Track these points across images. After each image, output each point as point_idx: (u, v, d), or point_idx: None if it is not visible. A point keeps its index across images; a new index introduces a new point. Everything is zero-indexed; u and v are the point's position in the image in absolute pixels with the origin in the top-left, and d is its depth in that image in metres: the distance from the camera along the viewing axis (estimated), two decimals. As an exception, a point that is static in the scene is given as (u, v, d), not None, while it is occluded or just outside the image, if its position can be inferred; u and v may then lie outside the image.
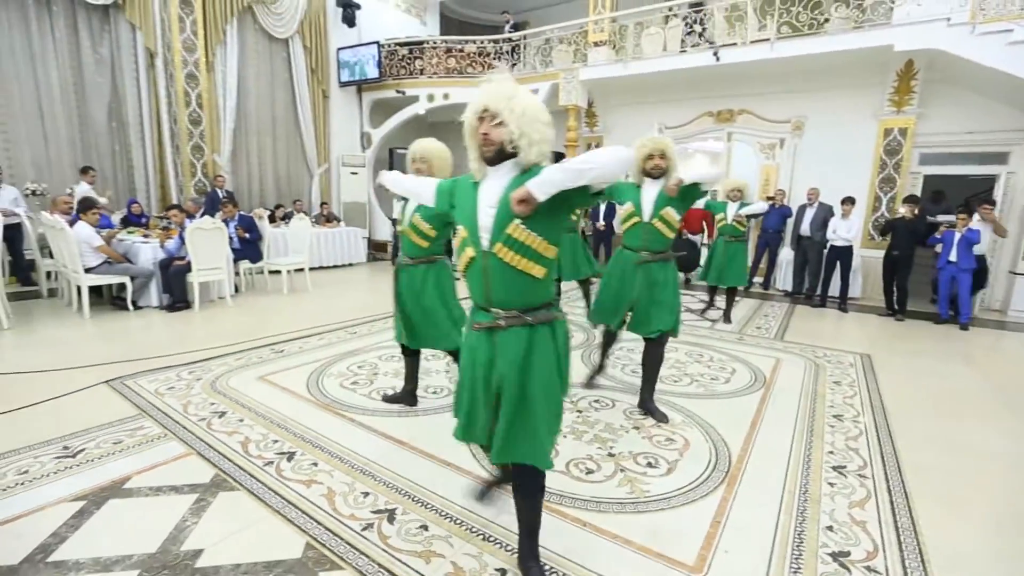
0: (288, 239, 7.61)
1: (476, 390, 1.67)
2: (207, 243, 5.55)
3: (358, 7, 10.28)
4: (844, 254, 6.63)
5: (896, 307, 6.36)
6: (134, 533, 1.96)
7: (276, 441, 2.72)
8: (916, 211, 6.29)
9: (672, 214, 2.93)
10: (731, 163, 8.52)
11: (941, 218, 6.98)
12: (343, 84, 10.64)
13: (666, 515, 2.16)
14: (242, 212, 6.99)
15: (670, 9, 8.28)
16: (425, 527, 2.04)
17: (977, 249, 5.95)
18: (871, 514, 2.21)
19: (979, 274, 6.21)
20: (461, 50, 10.26)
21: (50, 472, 2.36)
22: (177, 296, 5.56)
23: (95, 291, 5.53)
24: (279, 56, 9.71)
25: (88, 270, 5.15)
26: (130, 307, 5.47)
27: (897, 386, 3.84)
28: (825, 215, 6.89)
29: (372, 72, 10.20)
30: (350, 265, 9.59)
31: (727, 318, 5.79)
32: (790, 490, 2.37)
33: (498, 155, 1.54)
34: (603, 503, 2.22)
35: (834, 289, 6.88)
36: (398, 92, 10.41)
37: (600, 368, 3.60)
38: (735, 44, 7.44)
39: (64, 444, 2.61)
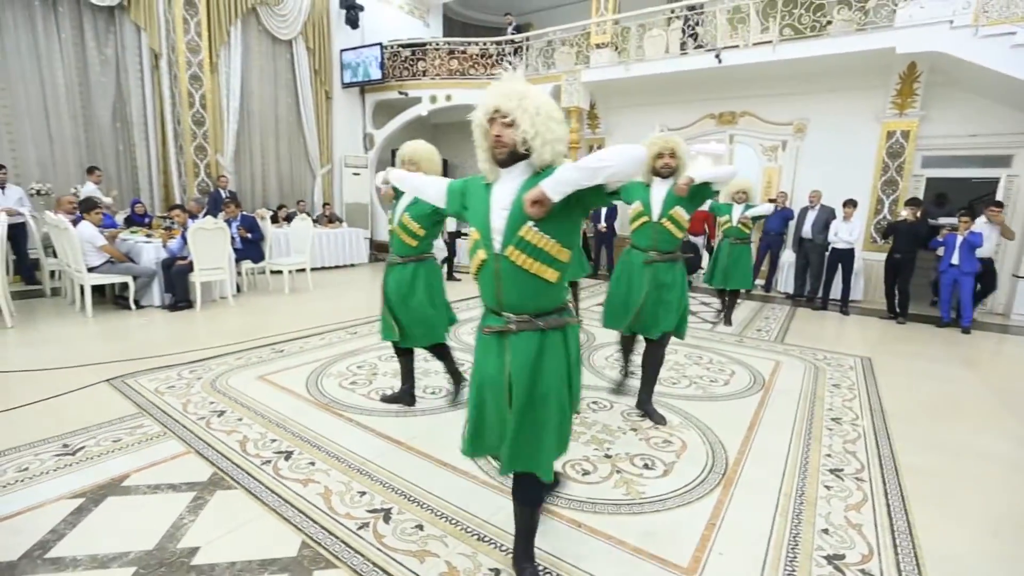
0: (290, 239, 7.64)
1: (484, 395, 1.65)
2: (209, 243, 5.58)
3: (361, 8, 10.32)
4: (846, 257, 6.62)
5: (898, 310, 6.34)
6: (131, 530, 1.98)
7: (274, 440, 2.73)
8: (918, 214, 6.27)
9: (681, 214, 2.90)
10: (733, 165, 8.51)
11: (943, 221, 6.94)
12: (346, 85, 10.68)
13: (661, 517, 2.16)
14: (244, 212, 7.02)
15: (672, 11, 8.28)
16: (420, 527, 2.05)
17: (984, 252, 5.92)
18: (867, 517, 2.20)
19: (987, 277, 6.15)
20: (464, 52, 10.28)
21: (50, 469, 2.38)
22: (179, 296, 5.59)
23: (98, 290, 5.57)
24: (283, 57, 9.76)
25: (91, 269, 5.18)
26: (132, 306, 5.50)
27: (897, 389, 3.83)
28: (827, 217, 6.88)
29: (375, 73, 10.24)
30: (352, 265, 9.62)
31: (727, 320, 5.78)
32: (786, 493, 2.37)
33: (511, 156, 1.50)
34: (598, 504, 2.23)
35: (836, 292, 6.86)
36: (401, 93, 10.45)
37: (626, 374, 3.54)
38: (737, 46, 7.44)
39: (64, 442, 2.63)
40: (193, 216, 6.44)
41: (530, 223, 1.45)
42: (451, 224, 8.34)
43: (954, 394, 3.83)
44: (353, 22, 10.33)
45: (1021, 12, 5.82)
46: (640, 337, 3.22)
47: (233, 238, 6.33)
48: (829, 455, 2.75)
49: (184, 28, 8.10)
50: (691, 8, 8.16)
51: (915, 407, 3.52)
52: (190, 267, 5.55)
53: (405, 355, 3.19)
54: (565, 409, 1.61)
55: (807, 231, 7.06)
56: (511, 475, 1.69)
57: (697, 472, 2.53)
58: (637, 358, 3.32)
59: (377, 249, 10.86)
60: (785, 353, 4.67)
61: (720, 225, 5.76)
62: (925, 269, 6.96)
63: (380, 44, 10.14)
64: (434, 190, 1.87)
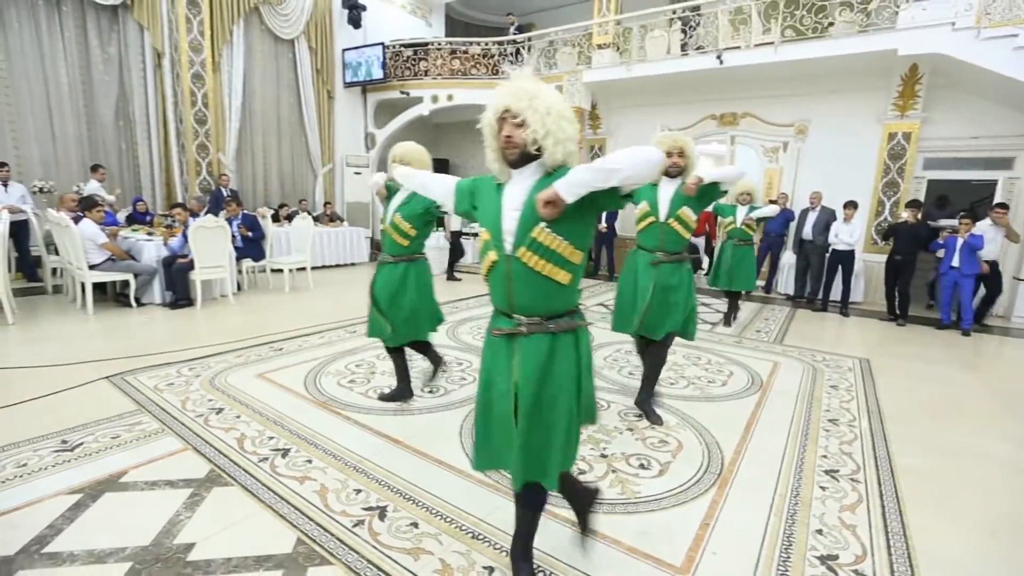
0: (291, 238, 7.66)
1: (491, 398, 1.61)
2: (210, 241, 5.60)
3: (364, 8, 10.35)
4: (846, 258, 6.61)
5: (898, 312, 6.33)
6: (128, 526, 1.99)
7: (272, 438, 2.74)
8: (918, 216, 6.26)
9: (689, 214, 2.88)
10: (738, 166, 8.51)
11: (942, 223, 6.92)
12: (348, 85, 10.71)
13: (656, 516, 2.17)
14: (245, 211, 7.04)
15: (674, 12, 8.28)
16: (415, 524, 2.06)
17: (988, 254, 5.88)
18: (862, 518, 2.21)
19: (992, 280, 6.08)
20: (466, 52, 10.30)
21: (48, 465, 2.39)
22: (180, 293, 5.62)
23: (99, 288, 5.59)
24: (285, 57, 9.79)
25: (92, 267, 5.21)
26: (133, 304, 5.52)
27: (896, 391, 3.83)
28: (827, 219, 6.87)
29: (377, 73, 10.26)
30: (352, 264, 9.64)
31: (727, 321, 5.78)
32: (781, 493, 2.37)
33: (521, 157, 1.47)
34: (594, 504, 2.22)
35: (836, 293, 6.85)
36: (402, 93, 10.47)
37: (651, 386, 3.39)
38: (739, 47, 7.44)
39: (63, 438, 2.65)
40: (195, 214, 6.46)
41: (542, 224, 1.43)
42: (455, 224, 8.32)
43: (953, 396, 3.83)
44: (355, 22, 10.37)
45: (1023, 14, 5.82)
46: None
47: (234, 236, 6.35)
48: (825, 456, 2.75)
49: (187, 27, 8.14)
50: (692, 9, 8.16)
51: (914, 409, 3.52)
52: (191, 265, 5.57)
53: (397, 352, 3.21)
54: (573, 414, 1.56)
55: (807, 232, 7.06)
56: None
57: (692, 472, 2.53)
58: (623, 359, 3.30)
59: (378, 248, 10.87)
60: (784, 354, 4.67)
61: (724, 227, 5.73)
62: (923, 271, 6.94)
63: (382, 44, 10.16)
64: (441, 189, 1.83)
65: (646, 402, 3.15)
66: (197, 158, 8.53)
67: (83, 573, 1.75)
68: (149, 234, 6.15)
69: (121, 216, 7.33)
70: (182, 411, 3.02)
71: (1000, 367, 4.81)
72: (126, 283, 5.50)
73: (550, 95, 1.43)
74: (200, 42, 8.30)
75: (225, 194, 7.88)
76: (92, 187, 6.88)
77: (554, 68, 9.39)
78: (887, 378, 4.12)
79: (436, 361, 3.39)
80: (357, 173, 10.87)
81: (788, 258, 7.82)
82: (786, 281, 7.82)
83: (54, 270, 6.33)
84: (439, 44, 10.46)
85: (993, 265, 6.02)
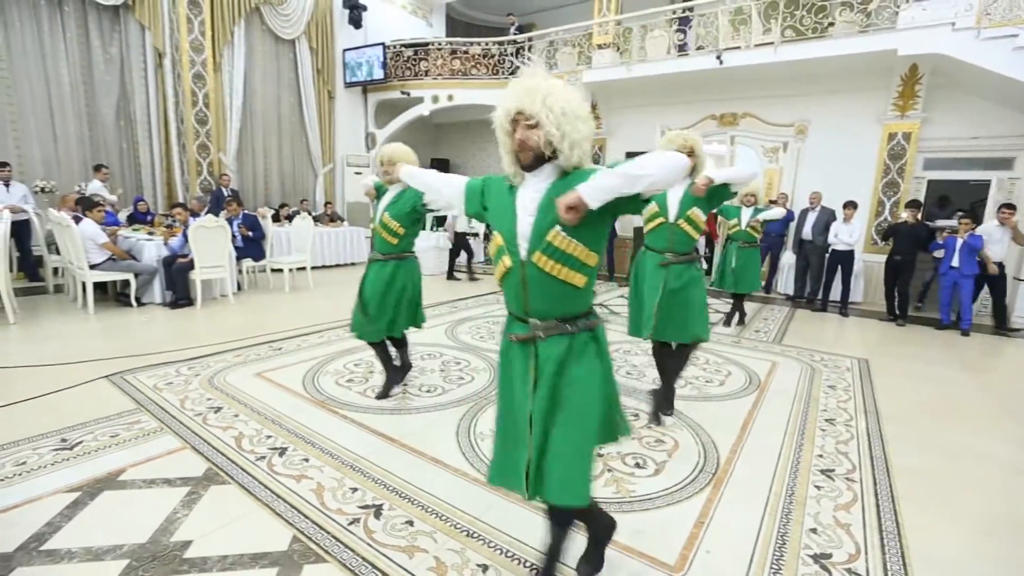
0: (291, 238, 7.68)
1: (511, 407, 1.58)
2: (210, 241, 5.62)
3: (364, 8, 10.37)
4: (845, 258, 6.61)
5: (897, 312, 6.33)
6: (126, 524, 2.00)
7: (269, 436, 2.76)
8: (918, 216, 6.26)
9: (699, 214, 2.84)
10: (734, 166, 8.51)
11: (940, 223, 6.90)
12: (348, 85, 10.73)
13: (650, 515, 2.18)
14: (246, 211, 7.06)
15: (673, 12, 8.29)
16: (411, 522, 2.07)
17: (996, 255, 5.81)
18: (856, 517, 2.21)
19: (999, 281, 5.97)
20: (466, 52, 10.31)
21: (47, 464, 2.41)
22: (180, 293, 5.63)
23: (100, 287, 5.61)
24: (285, 57, 9.82)
25: (93, 266, 5.23)
26: (134, 303, 5.54)
27: (895, 391, 3.83)
28: (827, 219, 6.87)
29: (377, 73, 10.29)
30: (352, 264, 9.65)
31: (728, 322, 5.77)
32: (776, 492, 2.38)
33: (536, 160, 1.42)
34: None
35: (835, 294, 6.85)
36: (403, 93, 10.49)
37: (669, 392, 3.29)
38: (739, 47, 7.44)
39: (62, 437, 2.67)
40: (195, 214, 6.49)
41: (558, 228, 1.38)
42: (461, 224, 8.29)
43: (952, 396, 3.83)
44: (356, 22, 10.39)
45: (1024, 14, 5.82)
46: (672, 344, 3.13)
47: (234, 236, 6.37)
48: (821, 455, 2.76)
49: (188, 27, 8.17)
50: (690, 9, 8.16)
51: (912, 409, 3.52)
52: (191, 265, 5.59)
53: (379, 346, 3.27)
54: (595, 414, 1.47)
55: (807, 233, 7.05)
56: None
57: (688, 471, 2.54)
58: (620, 359, 3.29)
59: (378, 248, 10.90)
60: (782, 354, 4.67)
61: (728, 228, 5.65)
62: (920, 271, 6.92)
63: (383, 44, 10.18)
64: (450, 190, 1.77)
65: (658, 396, 3.09)
66: (198, 158, 8.55)
67: (80, 570, 1.77)
68: (150, 234, 6.17)
69: (122, 216, 7.36)
70: (181, 410, 3.04)
71: (1000, 368, 4.81)
72: (127, 283, 5.52)
73: (564, 93, 1.37)
74: (201, 42, 8.33)
75: (226, 194, 7.91)
76: (95, 187, 6.91)
77: (554, 68, 9.39)
78: (886, 378, 4.12)
79: (405, 364, 3.50)
80: (358, 173, 10.90)
81: (788, 258, 7.82)
82: (786, 281, 7.82)
83: (55, 270, 6.35)
84: (439, 44, 10.48)
85: (999, 266, 5.91)
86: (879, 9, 6.75)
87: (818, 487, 2.44)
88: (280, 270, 7.08)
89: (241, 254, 6.61)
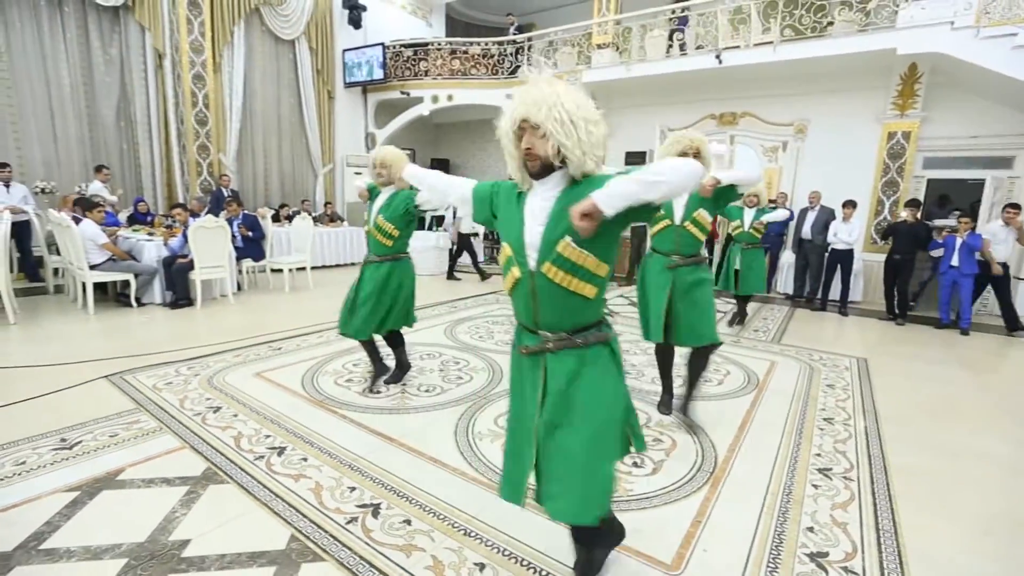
0: (291, 238, 7.69)
1: (521, 419, 1.55)
2: (209, 242, 5.63)
3: (364, 9, 10.38)
4: (845, 257, 6.61)
5: (897, 311, 6.33)
6: (125, 523, 2.01)
7: (268, 436, 2.76)
8: (918, 215, 6.26)
9: (705, 216, 2.83)
10: (733, 166, 8.50)
11: (938, 223, 6.88)
12: (348, 85, 10.74)
13: (648, 514, 2.18)
14: (246, 211, 7.07)
15: (673, 12, 8.29)
16: (408, 521, 2.07)
17: (1000, 255, 5.76)
18: (853, 516, 2.22)
19: (1003, 282, 5.90)
20: (466, 52, 10.32)
21: (47, 463, 2.42)
22: (180, 293, 5.64)
23: (100, 288, 5.62)
24: (285, 57, 9.83)
25: (93, 267, 5.24)
26: (134, 304, 5.55)
27: (893, 390, 3.83)
28: (826, 218, 6.87)
29: (377, 73, 10.30)
30: (352, 264, 9.65)
31: (731, 322, 5.71)
32: (773, 491, 2.38)
33: (543, 168, 1.37)
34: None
35: (835, 293, 6.85)
36: (403, 93, 10.50)
37: (668, 391, 3.28)
38: (738, 47, 7.44)
39: (62, 436, 2.67)
40: (195, 215, 6.49)
41: (568, 238, 1.34)
42: (465, 225, 8.27)
43: (951, 396, 3.83)
44: (356, 22, 10.40)
45: (1023, 13, 5.81)
46: (676, 348, 3.13)
47: (234, 236, 6.38)
48: (819, 454, 2.76)
49: (188, 28, 8.18)
50: (686, 9, 8.17)
51: (911, 408, 3.52)
52: (191, 265, 5.60)
53: (367, 342, 3.35)
54: (612, 428, 1.44)
55: (807, 232, 7.05)
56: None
57: (685, 470, 2.54)
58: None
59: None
60: (781, 353, 4.68)
61: (732, 230, 5.57)
62: (917, 271, 6.92)
63: (382, 44, 10.19)
64: (457, 195, 1.72)
65: (685, 409, 3.06)
66: (198, 158, 8.57)
67: (79, 569, 1.77)
68: (149, 234, 6.19)
69: (122, 216, 7.37)
70: (180, 410, 3.05)
71: (999, 367, 4.81)
72: (127, 283, 5.54)
73: (571, 99, 1.32)
74: (201, 43, 8.34)
75: (226, 194, 7.92)
76: (95, 187, 6.93)
77: (554, 68, 9.38)
78: (884, 377, 4.12)
79: (403, 365, 3.57)
80: (358, 173, 10.91)
81: (787, 257, 7.83)
82: (785, 280, 7.82)
83: (56, 270, 6.36)
84: (439, 44, 10.49)
85: (1004, 267, 5.83)
86: (878, 8, 6.75)
87: (815, 486, 2.44)
88: (280, 270, 7.09)
89: (241, 254, 6.62)
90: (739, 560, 1.92)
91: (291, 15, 9.59)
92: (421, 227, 9.79)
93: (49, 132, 7.33)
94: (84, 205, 5.51)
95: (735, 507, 2.25)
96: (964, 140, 6.95)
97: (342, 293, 3.38)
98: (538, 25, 11.73)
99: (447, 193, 1.78)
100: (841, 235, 6.55)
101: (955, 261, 5.91)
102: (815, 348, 4.89)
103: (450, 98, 10.26)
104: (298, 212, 8.64)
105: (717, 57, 7.39)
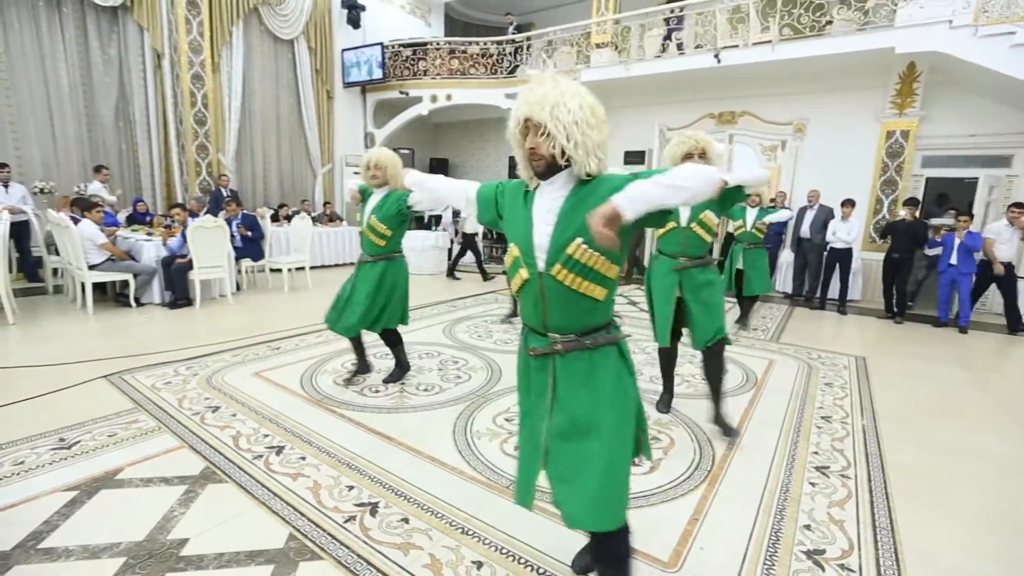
0: (290, 238, 7.70)
1: (530, 424, 1.53)
2: (208, 241, 5.63)
3: (363, 8, 10.38)
4: (843, 256, 6.62)
5: (895, 310, 6.34)
6: (123, 522, 2.02)
7: (267, 435, 2.77)
8: (916, 214, 6.26)
9: (711, 217, 2.81)
10: (732, 165, 8.51)
11: (935, 222, 6.88)
12: (347, 85, 10.74)
13: (645, 512, 2.19)
14: (245, 211, 7.07)
15: (672, 11, 8.29)
16: (406, 520, 2.08)
17: (1004, 255, 5.74)
18: (850, 513, 2.22)
19: (1008, 282, 5.86)
20: (464, 51, 10.32)
21: (45, 463, 2.42)
22: (179, 293, 5.65)
23: (99, 288, 5.63)
24: (284, 57, 9.83)
25: (92, 267, 5.24)
26: (133, 304, 5.56)
27: (891, 389, 3.84)
28: (825, 217, 6.88)
29: (376, 73, 10.29)
30: (351, 264, 9.65)
31: (745, 325, 5.60)
32: (771, 489, 2.39)
33: (549, 168, 1.36)
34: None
35: (834, 291, 6.86)
36: (402, 93, 10.50)
37: (668, 390, 3.26)
38: (737, 46, 7.44)
39: (60, 436, 2.68)
40: (194, 215, 6.49)
41: (579, 240, 1.32)
42: (470, 225, 8.26)
43: (949, 394, 3.83)
44: (355, 22, 10.39)
45: (1021, 11, 5.81)
46: (679, 353, 3.11)
47: (233, 236, 6.38)
48: (816, 452, 2.77)
49: (186, 28, 8.18)
50: (683, 9, 8.17)
51: (909, 406, 3.53)
52: (190, 265, 5.60)
53: (355, 339, 3.46)
54: (626, 432, 1.40)
55: (805, 231, 7.06)
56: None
57: (683, 468, 2.55)
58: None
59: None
60: (779, 352, 4.68)
61: (734, 229, 5.52)
62: (914, 270, 6.92)
63: (381, 44, 10.19)
64: (461, 197, 1.70)
65: (719, 417, 2.97)
66: (197, 158, 8.57)
67: (77, 568, 1.78)
68: (148, 234, 6.19)
69: (121, 216, 7.37)
70: (179, 409, 3.05)
71: (996, 365, 4.82)
72: (126, 283, 5.54)
73: (575, 99, 1.30)
74: (200, 43, 8.34)
75: (225, 194, 7.92)
76: (95, 188, 6.93)
77: (553, 68, 9.39)
78: (882, 376, 4.12)
79: (402, 364, 3.61)
80: (356, 173, 10.89)
81: (786, 256, 7.83)
82: (784, 279, 7.82)
83: (55, 270, 6.37)
84: (438, 44, 10.48)
85: (1008, 267, 5.80)
86: (877, 7, 6.75)
87: (813, 484, 2.45)
88: (279, 270, 7.09)
89: (240, 254, 6.62)
90: (736, 558, 1.92)
91: (290, 15, 9.59)
92: (422, 226, 9.81)
93: (48, 132, 7.33)
94: (82, 205, 5.51)
95: (732, 505, 2.26)
96: (962, 139, 6.95)
97: (341, 293, 3.40)
98: (537, 24, 11.73)
99: (452, 197, 1.75)
100: (840, 234, 6.55)
101: (954, 260, 5.91)
102: (814, 347, 4.89)
103: (449, 98, 10.26)
104: (297, 212, 8.65)
105: (716, 56, 7.39)
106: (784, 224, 7.57)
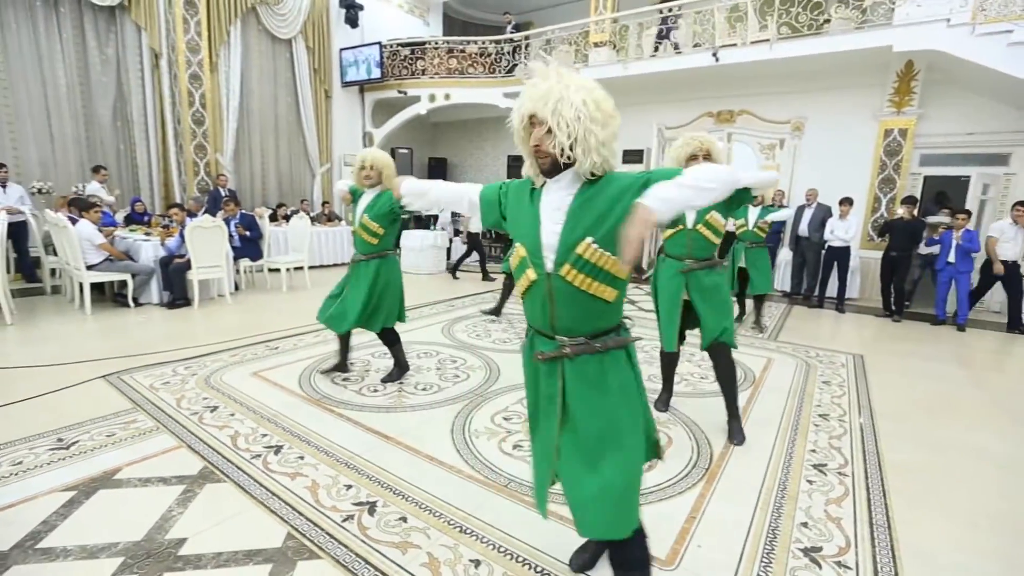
0: (288, 238, 7.69)
1: (543, 431, 1.50)
2: (206, 241, 5.63)
3: (361, 8, 10.36)
4: (842, 255, 6.62)
5: (893, 308, 6.35)
6: (121, 522, 2.02)
7: (265, 435, 2.77)
8: (914, 212, 6.27)
9: (718, 219, 2.78)
10: (731, 164, 8.51)
11: (930, 220, 6.88)
12: (345, 84, 10.73)
13: (643, 510, 2.15)
14: (243, 211, 7.07)
15: (670, 10, 8.29)
16: (404, 519, 2.08)
17: (1008, 254, 5.72)
18: (847, 511, 2.23)
19: (1013, 281, 5.83)
20: (463, 51, 10.31)
21: (44, 463, 2.42)
22: (177, 293, 5.64)
23: (97, 288, 5.62)
24: (282, 56, 9.82)
25: (90, 267, 5.24)
26: (131, 304, 5.55)
27: (889, 387, 3.85)
28: (823, 216, 6.89)
29: (374, 72, 10.29)
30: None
31: (759, 327, 5.51)
32: (768, 487, 2.39)
33: (554, 165, 1.32)
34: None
35: (832, 290, 6.87)
36: (400, 92, 10.49)
37: (667, 389, 3.26)
38: (735, 45, 7.45)
39: (59, 436, 2.68)
40: (192, 215, 6.48)
41: (589, 239, 1.29)
42: (475, 224, 8.25)
43: (947, 392, 3.84)
44: (353, 21, 10.38)
45: (1019, 9, 5.82)
46: (680, 357, 3.10)
47: (232, 236, 6.38)
48: (814, 450, 2.77)
49: (184, 28, 8.17)
50: (681, 7, 8.17)
51: (906, 404, 3.53)
52: (188, 265, 5.60)
53: (345, 336, 3.59)
54: (637, 435, 1.39)
55: (803, 229, 7.07)
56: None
57: (681, 467, 2.55)
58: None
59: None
60: (778, 350, 4.69)
61: (735, 228, 5.47)
62: (912, 268, 6.93)
63: (379, 43, 10.18)
64: (464, 201, 1.65)
65: (733, 421, 2.92)
66: (195, 158, 8.56)
67: (75, 568, 1.78)
68: (146, 234, 6.18)
69: (119, 216, 7.36)
70: (177, 409, 3.05)
71: (994, 363, 4.82)
72: (124, 283, 5.53)
73: (579, 94, 1.25)
74: (197, 42, 8.33)
75: (223, 194, 7.91)
76: (93, 188, 6.92)
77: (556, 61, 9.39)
78: (880, 374, 4.13)
79: (401, 364, 3.63)
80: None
81: (784, 255, 7.84)
82: (782, 278, 7.83)
83: (53, 271, 6.36)
84: (436, 43, 10.48)
85: (1014, 266, 5.76)
86: (874, 5, 6.76)
87: (810, 481, 2.46)
88: (277, 270, 7.08)
89: (238, 254, 6.62)
90: (733, 555, 1.93)
91: (288, 14, 9.58)
92: (420, 225, 9.80)
93: (45, 132, 7.31)
94: (80, 205, 5.50)
95: (730, 503, 2.26)
96: (960, 137, 6.96)
97: (339, 293, 3.42)
98: (535, 23, 11.73)
99: (453, 203, 1.70)
100: (838, 232, 6.56)
101: (951, 258, 5.92)
102: (812, 345, 4.90)
103: (447, 97, 10.25)
104: (296, 211, 8.64)
105: (714, 55, 7.39)
106: (782, 223, 7.58)
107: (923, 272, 6.99)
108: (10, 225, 5.35)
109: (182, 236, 5.63)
